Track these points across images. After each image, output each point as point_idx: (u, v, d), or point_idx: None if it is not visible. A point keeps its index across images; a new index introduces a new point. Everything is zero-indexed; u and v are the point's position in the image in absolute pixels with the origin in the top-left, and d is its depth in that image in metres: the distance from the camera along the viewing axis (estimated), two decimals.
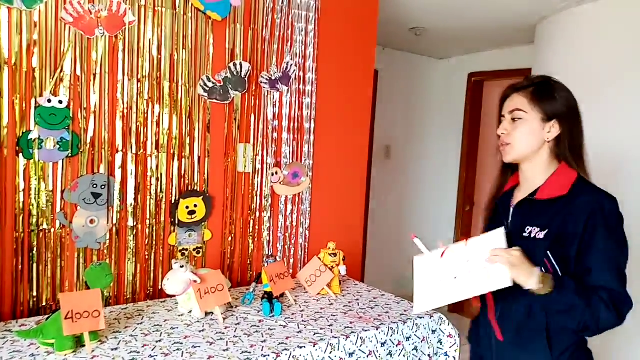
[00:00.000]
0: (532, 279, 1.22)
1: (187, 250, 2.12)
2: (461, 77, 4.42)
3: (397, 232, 4.38)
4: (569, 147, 1.36)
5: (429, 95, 4.60)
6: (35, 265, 1.78)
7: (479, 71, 4.31)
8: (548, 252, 1.29)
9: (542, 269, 1.26)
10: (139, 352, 1.48)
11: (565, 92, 1.38)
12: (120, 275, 1.97)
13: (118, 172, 1.92)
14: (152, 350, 1.50)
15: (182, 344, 1.56)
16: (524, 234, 1.35)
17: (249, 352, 1.51)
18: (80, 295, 1.53)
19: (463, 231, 4.46)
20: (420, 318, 1.90)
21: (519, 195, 1.45)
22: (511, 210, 1.44)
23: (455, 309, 4.47)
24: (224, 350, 1.52)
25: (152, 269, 2.04)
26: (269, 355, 1.50)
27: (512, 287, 1.25)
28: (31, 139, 1.73)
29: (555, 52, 3.03)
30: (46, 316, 1.61)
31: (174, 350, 1.50)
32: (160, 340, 1.57)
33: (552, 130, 1.36)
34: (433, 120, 4.65)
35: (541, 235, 1.31)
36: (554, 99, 1.36)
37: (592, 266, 1.26)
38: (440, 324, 1.96)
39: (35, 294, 1.79)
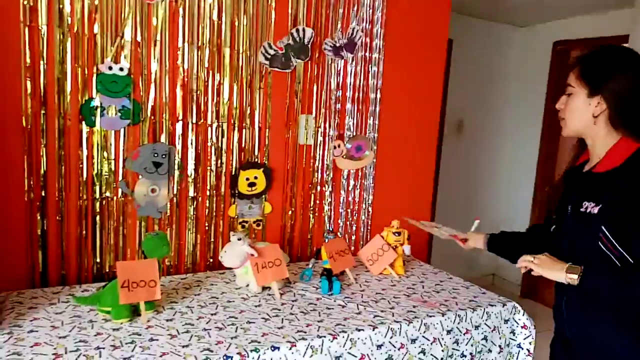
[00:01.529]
0: (560, 274, 1.27)
1: (247, 222, 2.08)
2: (545, 46, 4.04)
3: (467, 212, 4.15)
4: (626, 121, 1.30)
5: (508, 66, 4.26)
6: (98, 233, 1.81)
7: (565, 39, 3.92)
8: (602, 227, 1.26)
9: (601, 245, 1.26)
10: (193, 325, 1.45)
11: (620, 64, 1.30)
12: (181, 245, 1.96)
13: (178, 142, 1.90)
14: (207, 323, 1.46)
15: (236, 318, 1.51)
16: (581, 209, 1.33)
17: (304, 332, 1.44)
18: (137, 264, 1.52)
19: (540, 215, 4.15)
20: (492, 306, 1.74)
21: (586, 170, 1.42)
22: (575, 185, 1.41)
23: (529, 294, 4.20)
24: (279, 328, 1.45)
25: (212, 240, 2.01)
26: (325, 337, 1.42)
27: None
28: (93, 106, 1.73)
29: None
30: (107, 282, 1.62)
31: (228, 325, 1.46)
32: (215, 314, 1.54)
33: (599, 106, 1.31)
34: (511, 93, 4.31)
35: (595, 210, 1.29)
36: (601, 73, 1.31)
37: (636, 241, 1.22)
38: (514, 313, 1.79)
39: (98, 260, 1.82)
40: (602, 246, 1.26)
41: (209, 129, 1.95)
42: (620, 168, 1.28)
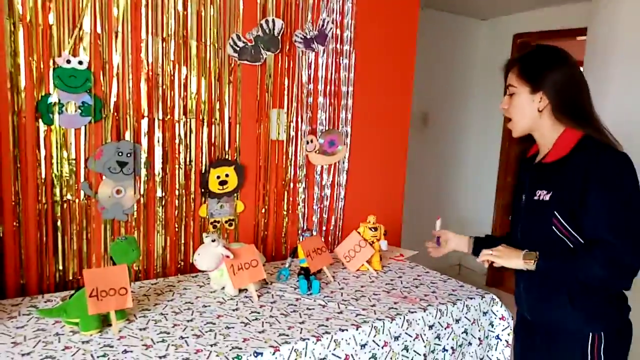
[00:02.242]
0: (518, 262, 1.39)
1: (219, 222, 2.00)
2: (506, 39, 4.11)
3: (432, 205, 4.19)
4: (568, 113, 1.39)
5: (473, 59, 4.32)
6: (60, 238, 1.69)
7: (525, 32, 4.00)
8: (555, 212, 1.35)
9: (555, 229, 1.36)
10: (169, 333, 1.37)
11: (555, 60, 1.40)
12: (150, 248, 1.86)
13: (144, 139, 1.80)
14: (183, 331, 1.39)
15: (214, 324, 1.44)
16: (535, 198, 1.42)
17: (287, 335, 1.38)
18: (105, 271, 1.42)
19: (504, 204, 4.24)
20: (471, 299, 1.74)
21: (537, 161, 1.50)
22: (528, 176, 1.50)
23: (494, 283, 4.29)
24: (260, 332, 1.39)
25: (183, 241, 1.93)
26: (308, 339, 1.37)
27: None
28: (51, 103, 1.61)
29: (616, 10, 2.73)
30: (72, 291, 1.51)
31: (207, 332, 1.39)
32: (191, 320, 1.46)
33: (542, 101, 1.40)
34: (475, 86, 4.38)
35: (547, 197, 1.38)
36: (540, 70, 1.40)
37: (586, 221, 1.32)
38: (492, 305, 1.79)
39: (61, 267, 1.70)
40: (556, 231, 1.36)
41: (177, 125, 1.85)
42: (567, 156, 1.37)
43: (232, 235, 2.04)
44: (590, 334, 1.38)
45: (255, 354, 1.27)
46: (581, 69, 1.55)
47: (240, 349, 1.29)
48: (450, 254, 1.83)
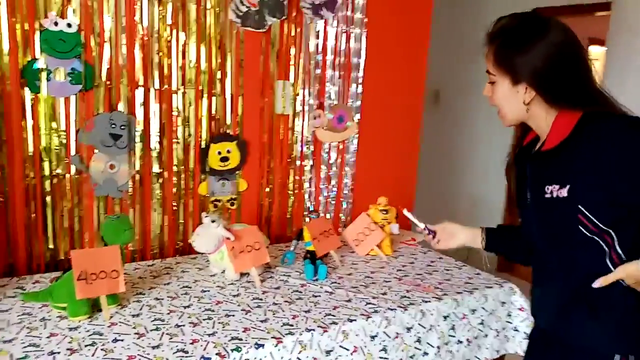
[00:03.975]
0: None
1: (220, 201, 1.88)
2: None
3: (446, 187, 4.06)
4: (562, 99, 1.12)
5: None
6: (50, 216, 1.58)
7: (545, 6, 3.79)
8: (580, 207, 1.07)
9: (582, 229, 1.08)
10: (163, 320, 1.26)
11: (529, 37, 1.10)
12: (146, 227, 1.75)
13: (139, 111, 1.67)
14: (179, 318, 1.28)
15: (213, 311, 1.33)
16: (546, 196, 1.13)
17: (291, 325, 1.27)
18: (95, 252, 1.31)
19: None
20: (489, 288, 1.62)
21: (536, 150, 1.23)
22: (528, 169, 1.22)
23: (505, 268, 4.18)
24: (262, 322, 1.29)
25: (182, 221, 1.81)
26: (314, 330, 1.26)
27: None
28: (37, 69, 1.48)
29: None
30: (61, 273, 1.41)
31: (204, 320, 1.28)
32: (188, 306, 1.35)
33: (527, 92, 1.13)
34: None
35: (563, 192, 1.10)
36: (513, 56, 1.12)
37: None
38: (511, 295, 1.68)
39: (52, 246, 1.59)
40: (584, 231, 1.09)
41: (174, 96, 1.72)
42: (571, 138, 1.10)
43: (234, 216, 1.92)
44: (617, 355, 1.12)
45: (257, 346, 1.17)
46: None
47: (241, 339, 1.19)
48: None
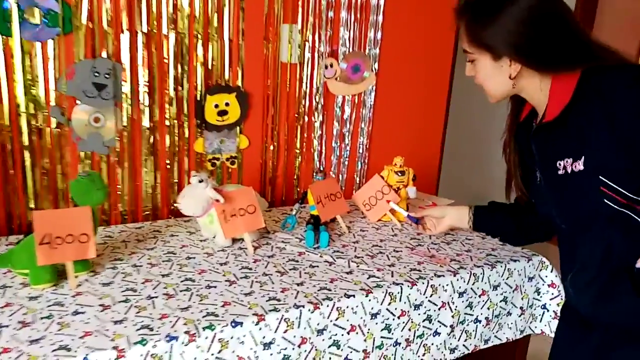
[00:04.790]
0: None
1: (218, 159, 1.72)
2: None
3: (476, 154, 3.77)
4: (553, 62, 1.03)
5: None
6: (30, 173, 1.46)
7: None
8: (602, 178, 0.96)
9: (608, 201, 0.97)
10: (135, 291, 1.13)
11: (510, 2, 1.00)
12: (137, 187, 1.62)
13: (126, 57, 1.50)
14: (154, 289, 1.14)
15: (194, 281, 1.19)
16: (559, 172, 1.04)
17: (278, 300, 1.12)
18: (62, 214, 1.18)
19: None
20: (514, 261, 1.41)
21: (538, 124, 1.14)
22: (533, 145, 1.13)
23: None
24: (245, 295, 1.13)
25: (176, 180, 1.67)
26: (303, 306, 1.10)
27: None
28: (7, 9, 1.33)
29: None
30: (24, 234, 1.30)
31: (181, 291, 1.14)
32: (167, 274, 1.22)
33: (513, 65, 1.06)
34: None
35: (579, 165, 1.00)
36: (491, 27, 1.03)
37: None
38: (541, 269, 1.47)
39: (33, 206, 1.48)
40: (611, 204, 0.97)
41: (165, 41, 1.54)
42: (574, 104, 1.00)
43: (234, 175, 1.77)
44: None
45: (234, 324, 1.02)
46: None
47: (217, 316, 1.04)
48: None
